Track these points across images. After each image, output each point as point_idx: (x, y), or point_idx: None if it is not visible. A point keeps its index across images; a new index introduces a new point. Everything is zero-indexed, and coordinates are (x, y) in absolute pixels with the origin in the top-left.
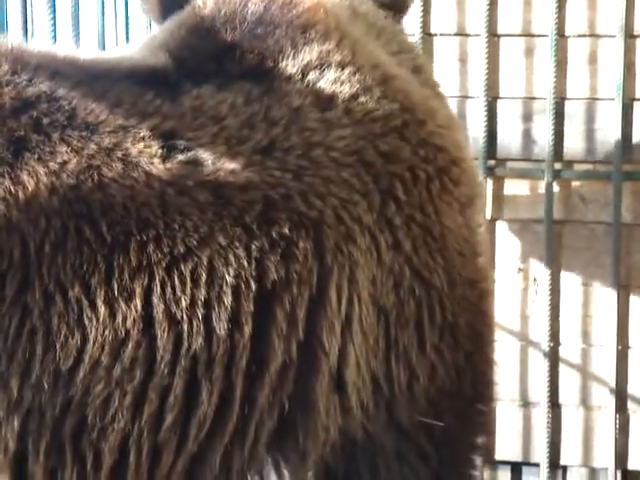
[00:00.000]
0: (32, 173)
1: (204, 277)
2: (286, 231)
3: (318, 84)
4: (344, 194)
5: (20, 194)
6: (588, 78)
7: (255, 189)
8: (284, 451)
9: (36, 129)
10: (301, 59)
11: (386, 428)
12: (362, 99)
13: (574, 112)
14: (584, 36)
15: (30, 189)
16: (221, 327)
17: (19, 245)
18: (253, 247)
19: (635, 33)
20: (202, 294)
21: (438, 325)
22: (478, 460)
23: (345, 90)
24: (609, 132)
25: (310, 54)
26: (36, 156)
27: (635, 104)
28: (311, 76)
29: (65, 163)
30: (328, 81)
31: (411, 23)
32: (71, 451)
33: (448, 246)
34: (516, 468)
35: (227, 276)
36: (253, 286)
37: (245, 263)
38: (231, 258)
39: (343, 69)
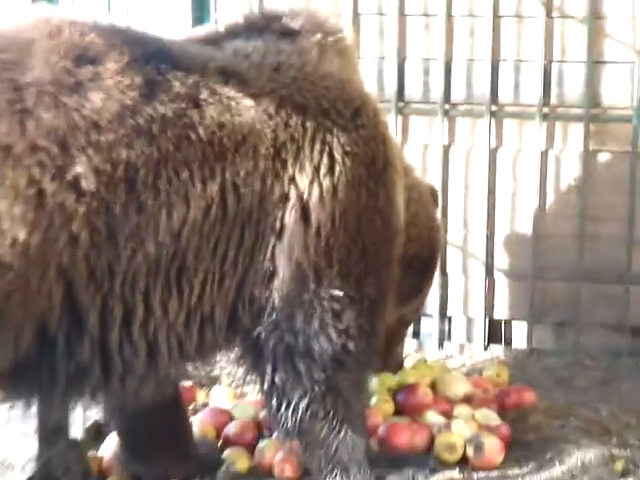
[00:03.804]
0: (161, 103)
1: (251, 153)
2: (292, 113)
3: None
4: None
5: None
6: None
7: (276, 92)
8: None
9: (159, 73)
10: (315, 37)
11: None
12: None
13: None
14: None
15: (157, 118)
16: (257, 184)
17: (153, 149)
18: (272, 124)
19: None
20: (249, 167)
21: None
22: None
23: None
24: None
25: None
26: (163, 88)
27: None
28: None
29: (179, 92)
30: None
31: None
32: (176, 287)
33: None
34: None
35: (260, 151)
36: (270, 148)
37: (269, 137)
38: (264, 137)
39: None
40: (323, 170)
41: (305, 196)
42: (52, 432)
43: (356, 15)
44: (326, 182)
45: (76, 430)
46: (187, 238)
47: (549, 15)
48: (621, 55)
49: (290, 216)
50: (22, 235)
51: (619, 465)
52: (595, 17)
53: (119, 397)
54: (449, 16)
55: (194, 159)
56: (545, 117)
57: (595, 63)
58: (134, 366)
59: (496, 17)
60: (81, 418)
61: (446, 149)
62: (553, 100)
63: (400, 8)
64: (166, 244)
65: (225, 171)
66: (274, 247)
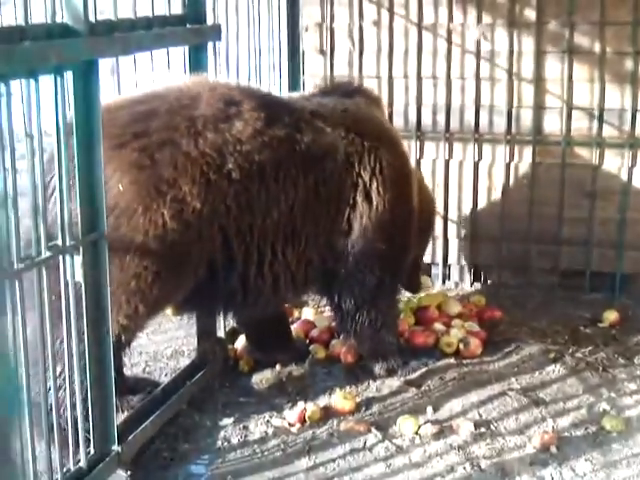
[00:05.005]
0: (278, 129)
1: (332, 159)
2: (355, 137)
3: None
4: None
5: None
6: None
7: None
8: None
9: (276, 112)
10: (363, 97)
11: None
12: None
13: None
14: None
15: (275, 138)
16: (336, 177)
17: (274, 156)
18: (344, 142)
19: None
20: (331, 167)
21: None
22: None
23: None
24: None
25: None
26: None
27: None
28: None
29: (288, 123)
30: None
31: None
32: (290, 241)
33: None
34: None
35: (337, 158)
36: (343, 156)
37: (342, 150)
38: (339, 150)
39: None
40: (377, 171)
41: (368, 185)
42: (206, 333)
43: (390, 79)
44: (380, 178)
45: (220, 332)
46: (296, 211)
47: (510, 78)
48: (555, 103)
49: (359, 197)
50: (198, 205)
51: (552, 355)
52: (538, 79)
53: (252, 312)
54: (477, 79)
55: (299, 163)
56: (508, 142)
57: (539, 108)
58: (264, 291)
59: (477, 79)
60: (223, 324)
61: (476, 164)
62: (514, 130)
63: (448, 74)
64: (284, 214)
65: (317, 170)
66: (349, 215)
